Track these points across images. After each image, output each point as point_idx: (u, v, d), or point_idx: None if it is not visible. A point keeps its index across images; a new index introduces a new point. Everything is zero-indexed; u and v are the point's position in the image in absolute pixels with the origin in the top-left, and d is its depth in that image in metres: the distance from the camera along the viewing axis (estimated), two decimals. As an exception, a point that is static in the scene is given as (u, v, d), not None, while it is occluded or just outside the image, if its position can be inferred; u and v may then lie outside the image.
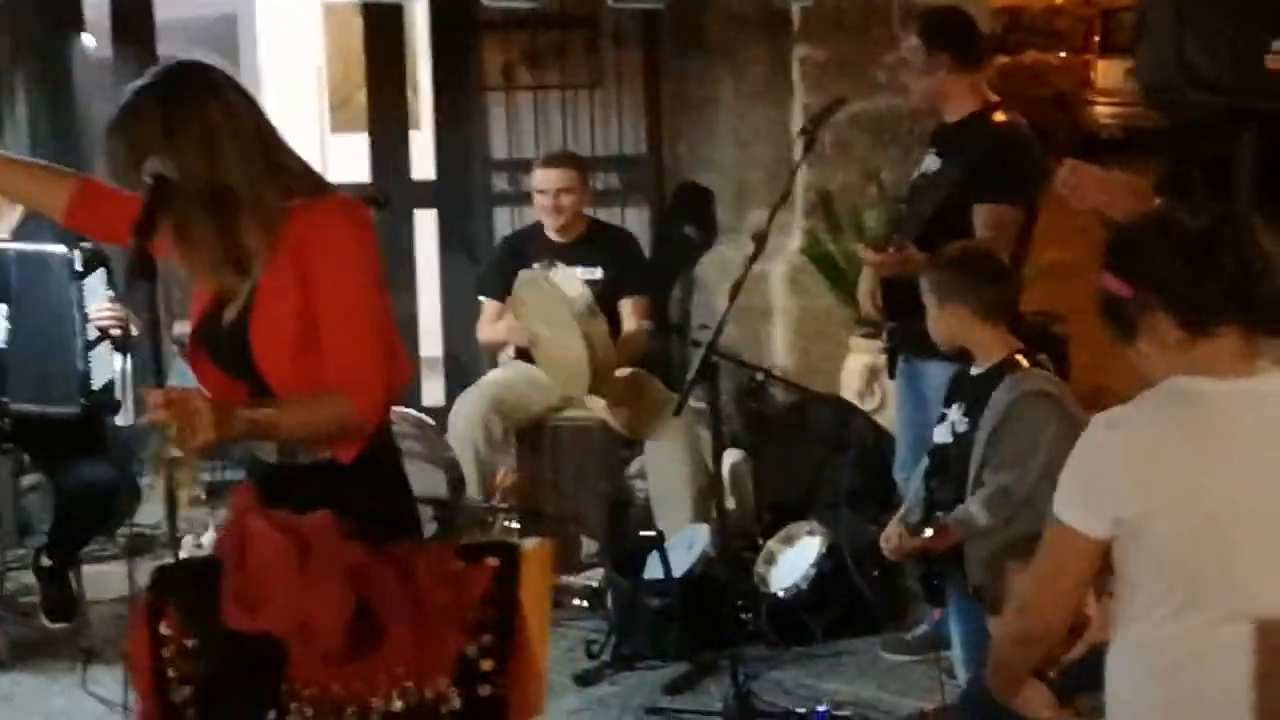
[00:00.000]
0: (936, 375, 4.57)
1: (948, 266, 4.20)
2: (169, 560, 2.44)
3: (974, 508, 4.00)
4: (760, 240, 4.74)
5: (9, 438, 5.04)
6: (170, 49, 10.63)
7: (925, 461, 4.37)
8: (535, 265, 5.92)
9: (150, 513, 5.87)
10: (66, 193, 2.93)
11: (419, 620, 2.45)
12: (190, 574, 2.40)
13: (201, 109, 2.69)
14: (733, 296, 4.74)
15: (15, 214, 5.19)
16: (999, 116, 4.83)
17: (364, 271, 2.75)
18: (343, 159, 8.71)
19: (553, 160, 6.09)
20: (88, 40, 7.78)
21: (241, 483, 2.50)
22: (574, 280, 5.58)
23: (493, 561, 2.55)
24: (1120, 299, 2.47)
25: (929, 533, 4.06)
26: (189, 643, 2.40)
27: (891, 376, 5.12)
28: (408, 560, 2.48)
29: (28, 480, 5.77)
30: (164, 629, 2.38)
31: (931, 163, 4.93)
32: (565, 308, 5.44)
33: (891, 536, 4.24)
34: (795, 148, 4.85)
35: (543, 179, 6.00)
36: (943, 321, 4.18)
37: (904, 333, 4.87)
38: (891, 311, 4.92)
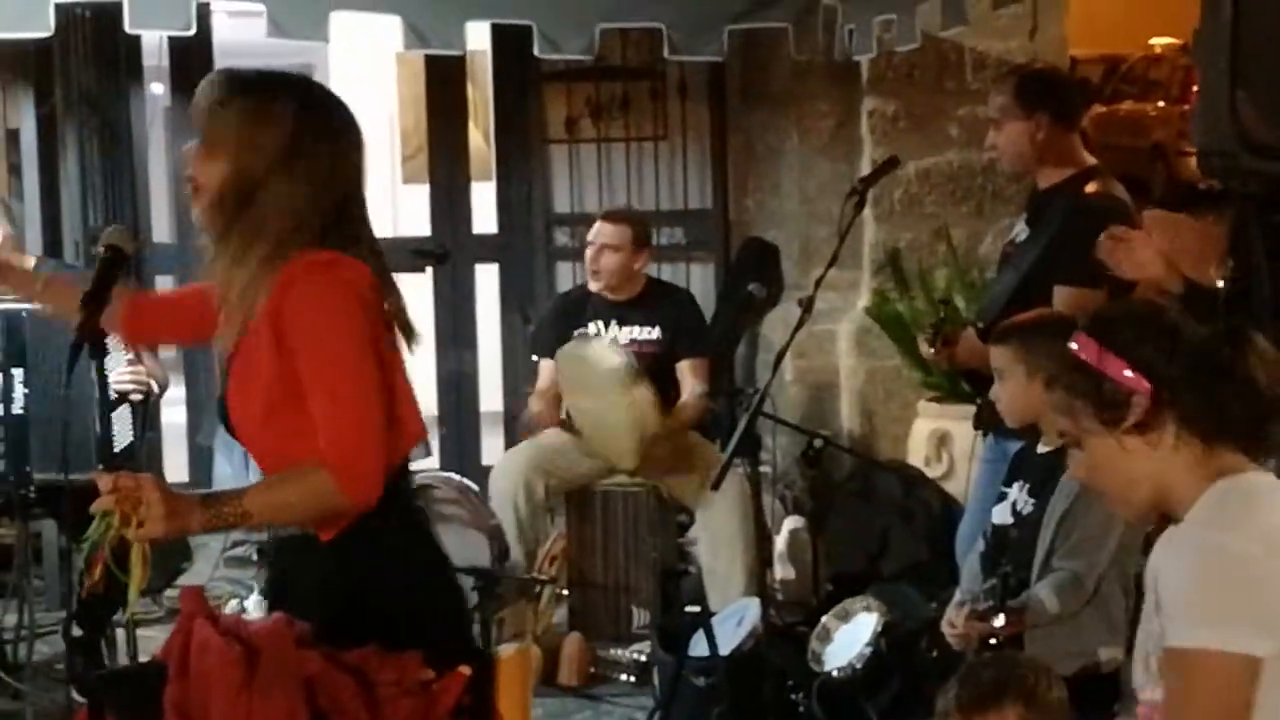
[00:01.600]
0: None
1: (1041, 335, 3.93)
2: (108, 668, 2.26)
3: (1044, 594, 3.76)
4: (807, 305, 4.53)
5: (36, 505, 4.93)
6: (248, 98, 10.74)
7: (981, 543, 4.12)
8: (591, 325, 5.77)
9: (200, 573, 5.78)
10: (120, 308, 2.76)
11: (382, 734, 2.27)
12: (132, 682, 2.22)
13: (284, 118, 2.57)
14: (776, 363, 4.56)
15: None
16: (1091, 187, 4.49)
17: (343, 334, 2.55)
18: (412, 211, 8.63)
19: (609, 215, 5.97)
20: (155, 89, 7.77)
21: (189, 585, 2.33)
22: (613, 351, 5.41)
23: (465, 670, 2.36)
24: (1118, 384, 2.27)
25: (1001, 620, 3.80)
26: (130, 757, 2.23)
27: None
28: (369, 669, 2.30)
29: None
30: (104, 742, 2.22)
31: (1021, 231, 4.66)
32: (606, 380, 5.31)
33: (956, 623, 3.98)
34: (844, 208, 4.61)
35: (592, 232, 5.87)
36: (1031, 393, 3.88)
37: (992, 410, 4.64)
38: (977, 389, 4.68)
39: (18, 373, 4.83)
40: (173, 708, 2.19)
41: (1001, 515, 4.03)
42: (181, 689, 2.21)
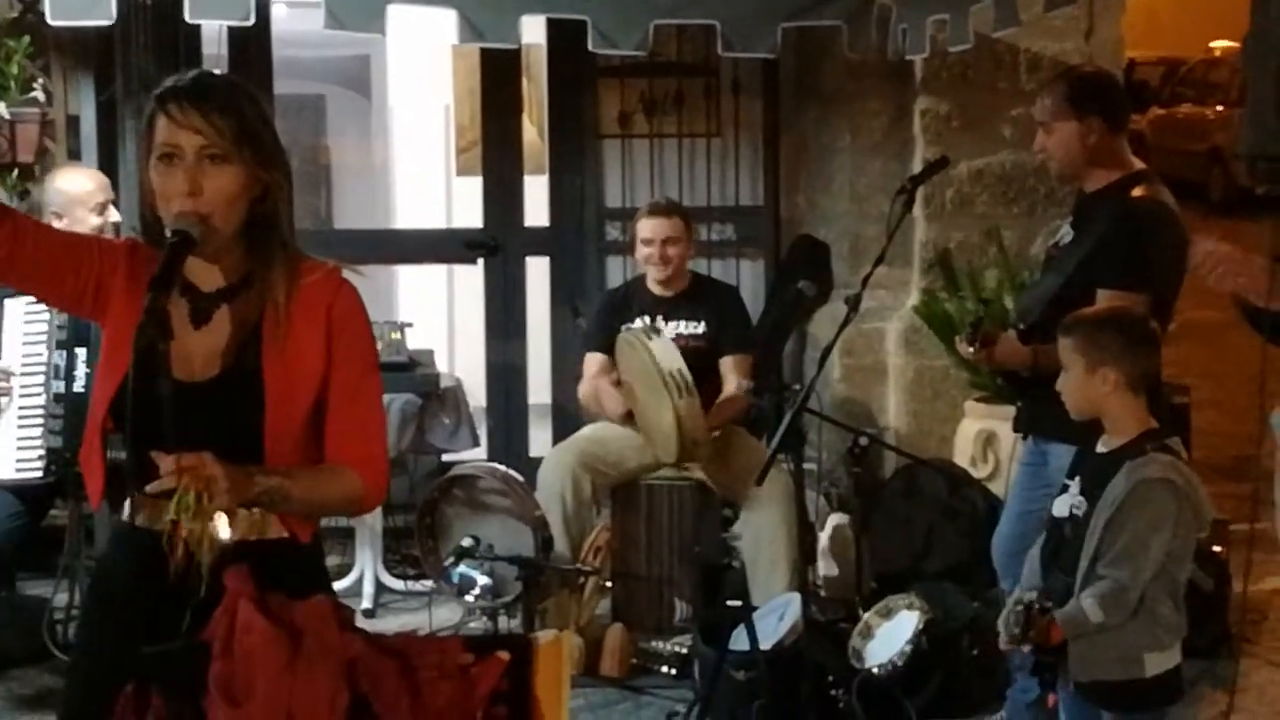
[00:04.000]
0: (1063, 457, 4.28)
1: (1103, 328, 3.92)
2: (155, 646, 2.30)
3: (1088, 605, 3.74)
4: (854, 304, 4.54)
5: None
6: (306, 88, 10.79)
7: (1042, 537, 4.11)
8: (638, 320, 5.80)
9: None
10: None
11: (421, 718, 2.30)
12: (177, 661, 2.26)
13: (270, 119, 2.62)
14: (822, 361, 4.58)
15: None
16: (1138, 191, 4.46)
17: (374, 347, 2.71)
18: (466, 203, 8.67)
19: (660, 209, 5.97)
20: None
21: (236, 564, 2.36)
22: (673, 353, 5.45)
23: (504, 655, 2.39)
24: None
25: (1026, 649, 3.81)
26: (176, 733, 2.27)
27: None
28: (410, 653, 2.34)
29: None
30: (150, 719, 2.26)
31: (1066, 234, 4.64)
32: (660, 380, 5.36)
33: (1005, 623, 3.95)
34: (893, 207, 4.62)
35: (650, 228, 5.88)
36: (1089, 387, 3.86)
37: (1030, 412, 4.64)
38: (1018, 390, 4.67)
39: (80, 352, 4.91)
40: (217, 686, 2.23)
41: (1060, 509, 3.99)
42: (226, 667, 2.25)
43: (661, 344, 5.52)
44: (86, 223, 5.11)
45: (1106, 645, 3.75)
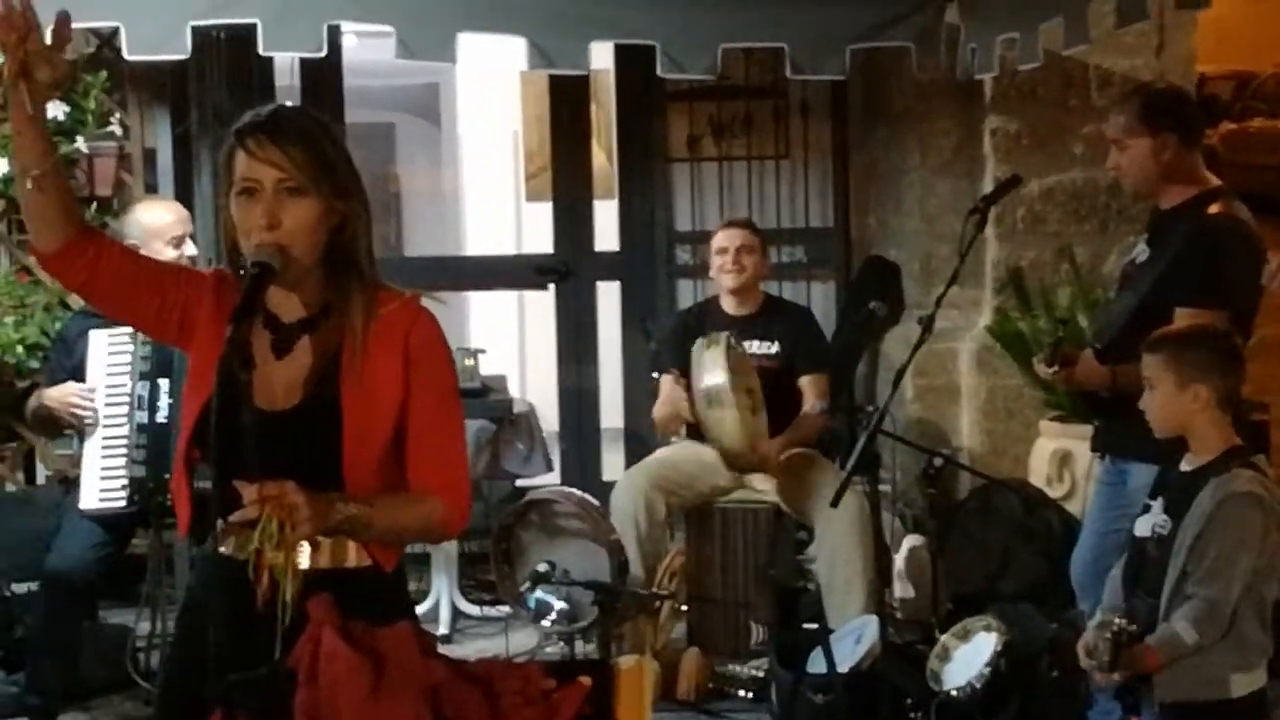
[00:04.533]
0: (1142, 477, 4.24)
1: (1193, 345, 3.89)
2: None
3: (1181, 628, 3.70)
4: (927, 324, 4.52)
5: (170, 514, 5.04)
6: (376, 117, 10.89)
7: (1124, 558, 4.07)
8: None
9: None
10: (75, 226, 2.60)
11: (505, 744, 2.31)
12: (263, 688, 2.29)
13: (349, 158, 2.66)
14: (896, 381, 4.55)
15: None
16: (1214, 208, 4.39)
17: (454, 374, 2.73)
18: (536, 229, 8.72)
19: (735, 221, 6.09)
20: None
21: (319, 593, 2.38)
22: (716, 370, 5.47)
23: (585, 680, 2.40)
24: None
25: (1116, 676, 3.75)
26: (263, 760, 2.29)
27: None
28: (493, 678, 2.35)
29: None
30: (237, 745, 2.28)
31: (1142, 252, 4.59)
32: (730, 391, 5.45)
33: (1092, 647, 3.89)
34: (965, 227, 4.60)
35: (725, 238, 5.93)
36: (1179, 404, 3.83)
37: (1109, 432, 4.60)
38: (1096, 410, 4.64)
39: (164, 382, 4.96)
40: (303, 713, 2.24)
41: (1143, 529, 3.96)
42: (311, 695, 2.26)
43: (709, 358, 5.53)
44: (163, 255, 5.17)
45: (1192, 665, 3.70)
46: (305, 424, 2.60)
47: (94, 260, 2.61)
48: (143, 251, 5.13)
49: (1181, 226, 4.40)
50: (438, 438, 2.65)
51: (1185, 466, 3.88)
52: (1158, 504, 3.93)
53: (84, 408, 5.01)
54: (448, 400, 2.69)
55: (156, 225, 5.23)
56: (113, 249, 2.66)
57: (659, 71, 5.67)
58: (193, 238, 5.41)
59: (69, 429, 5.26)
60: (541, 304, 7.86)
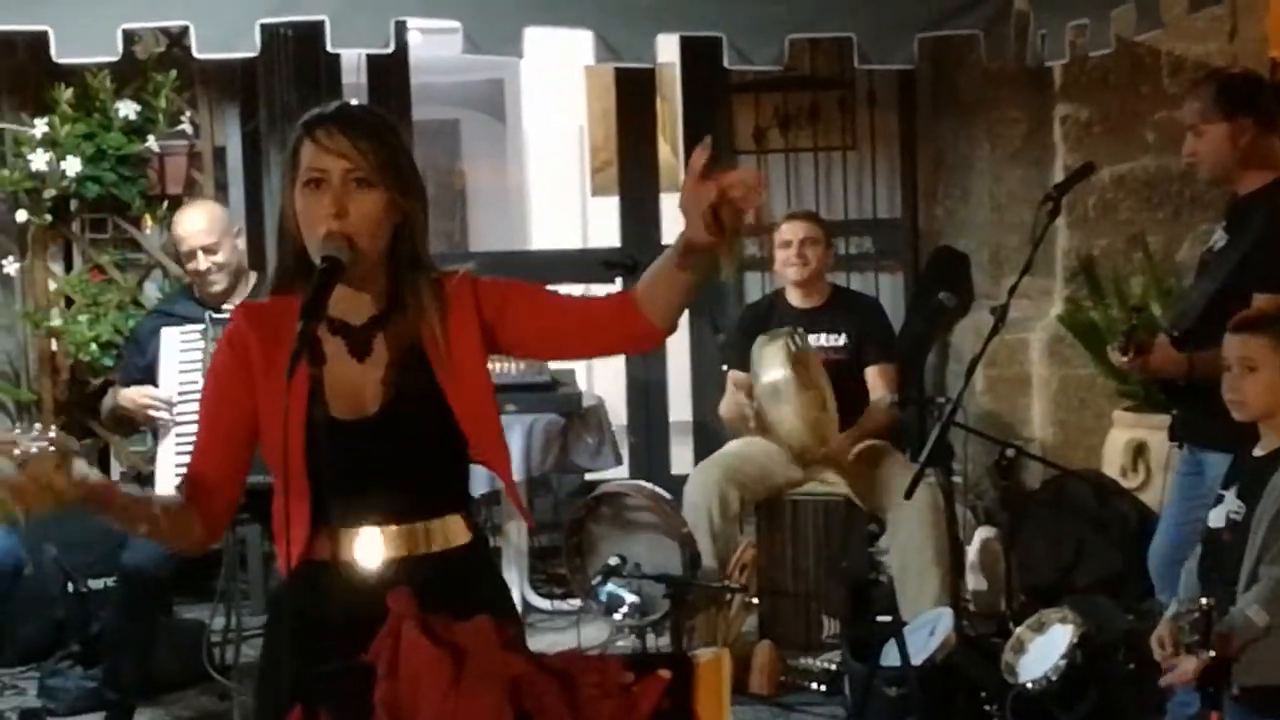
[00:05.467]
0: (1220, 466, 4.18)
1: None
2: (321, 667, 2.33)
3: (1252, 611, 3.65)
4: (1001, 314, 4.49)
5: (242, 510, 5.07)
6: (441, 114, 10.91)
7: (1198, 550, 4.02)
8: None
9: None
10: (197, 513, 2.59)
11: (584, 737, 2.31)
12: (343, 682, 2.29)
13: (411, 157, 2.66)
14: (969, 372, 4.52)
15: (248, 285, 5.29)
16: None
17: None
18: (602, 223, 8.72)
19: (799, 214, 6.03)
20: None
21: (399, 587, 2.38)
22: (774, 366, 5.44)
23: (664, 673, 2.39)
24: None
25: (1208, 654, 3.68)
26: (344, 755, 2.29)
27: None
28: (572, 671, 2.34)
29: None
30: (318, 740, 2.29)
31: (1219, 239, 4.55)
32: (784, 385, 5.41)
33: (1165, 640, 3.85)
34: (1038, 216, 4.56)
35: (789, 230, 5.89)
36: (1275, 387, 3.82)
37: (1186, 421, 4.55)
38: (1172, 399, 4.59)
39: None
40: (383, 707, 2.25)
41: (1216, 519, 3.92)
42: (391, 689, 2.26)
43: (767, 352, 5.52)
44: (196, 264, 5.22)
45: (1272, 648, 3.65)
46: (409, 418, 2.58)
47: (219, 515, 2.65)
48: (185, 260, 5.24)
49: (1260, 212, 4.36)
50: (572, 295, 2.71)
51: (1259, 452, 3.84)
52: (1230, 493, 3.88)
53: (158, 409, 5.05)
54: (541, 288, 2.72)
55: (179, 234, 5.32)
56: (204, 486, 2.63)
57: (725, 63, 5.66)
58: (238, 235, 5.41)
59: (143, 427, 5.30)
60: (608, 298, 7.84)
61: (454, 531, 2.61)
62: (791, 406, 5.43)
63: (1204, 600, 3.63)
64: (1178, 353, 4.37)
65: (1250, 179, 4.44)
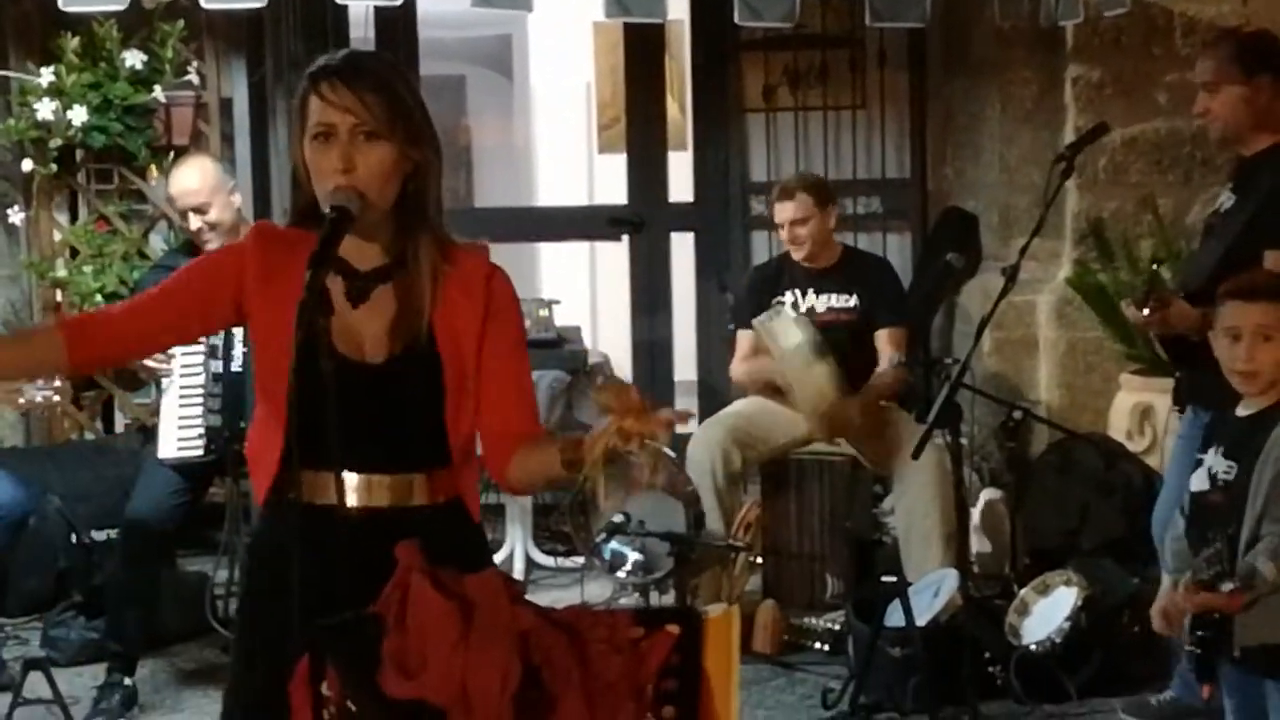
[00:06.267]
0: None
1: None
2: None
3: (1261, 564, 3.61)
4: (1011, 275, 4.46)
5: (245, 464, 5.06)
6: (447, 69, 10.86)
7: (1180, 516, 3.99)
8: (785, 294, 5.78)
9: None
10: (60, 341, 2.62)
11: (592, 691, 2.29)
12: (351, 633, 2.28)
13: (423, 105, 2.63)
14: (978, 333, 4.51)
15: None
16: None
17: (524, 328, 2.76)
18: (609, 180, 8.68)
19: (783, 193, 5.84)
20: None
21: (407, 539, 2.37)
22: (790, 329, 5.42)
23: (673, 629, 2.38)
24: None
25: (1229, 586, 3.61)
26: (351, 705, 2.28)
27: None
28: (580, 626, 2.33)
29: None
30: (325, 690, 2.27)
31: (1227, 200, 4.52)
32: (788, 356, 5.42)
33: (1179, 600, 3.80)
34: (1050, 177, 4.52)
35: (778, 213, 5.83)
36: None
37: (1190, 385, 4.52)
38: (1177, 363, 4.57)
39: (238, 331, 4.97)
40: (391, 659, 2.24)
41: (1199, 483, 3.88)
42: (399, 641, 2.25)
43: (780, 320, 5.50)
44: (188, 223, 5.19)
45: (1273, 608, 3.62)
46: (406, 375, 2.57)
47: (99, 349, 2.67)
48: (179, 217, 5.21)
49: (1267, 172, 4.34)
50: (524, 383, 2.63)
51: (1243, 411, 3.79)
52: (1211, 454, 3.83)
53: (160, 362, 5.03)
54: (523, 349, 2.67)
55: (172, 193, 5.29)
56: (106, 325, 2.70)
57: (736, 19, 5.62)
58: (234, 191, 5.35)
59: (147, 380, 5.29)
60: (614, 256, 7.82)
61: (429, 489, 2.61)
62: (822, 366, 5.42)
63: (1215, 545, 3.56)
64: (1194, 309, 4.33)
65: (1259, 139, 4.41)
